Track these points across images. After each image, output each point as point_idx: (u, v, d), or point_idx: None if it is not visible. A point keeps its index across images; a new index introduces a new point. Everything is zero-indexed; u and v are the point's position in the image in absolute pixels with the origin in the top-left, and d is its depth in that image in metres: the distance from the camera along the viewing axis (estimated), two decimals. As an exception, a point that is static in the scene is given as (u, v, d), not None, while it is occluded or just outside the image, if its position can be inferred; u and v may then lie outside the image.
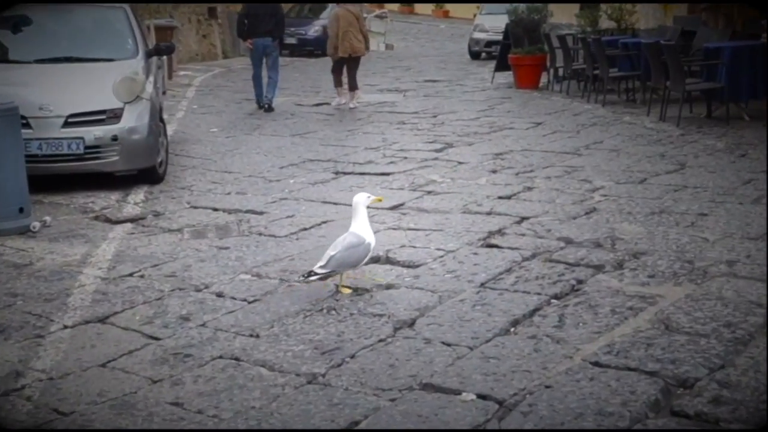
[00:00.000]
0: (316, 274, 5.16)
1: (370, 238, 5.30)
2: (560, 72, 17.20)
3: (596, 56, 14.55)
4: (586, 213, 7.01)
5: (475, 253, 5.96)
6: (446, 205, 7.49)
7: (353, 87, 15.54)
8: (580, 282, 5.28)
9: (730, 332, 4.35)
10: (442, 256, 5.91)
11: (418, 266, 5.73)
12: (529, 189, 8.02)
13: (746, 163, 8.78)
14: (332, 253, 5.18)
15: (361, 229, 5.31)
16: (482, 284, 5.31)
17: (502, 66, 18.81)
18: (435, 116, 13.84)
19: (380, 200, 5.78)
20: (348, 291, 5.26)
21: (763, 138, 10.21)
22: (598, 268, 5.53)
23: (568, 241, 6.16)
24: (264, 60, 15.20)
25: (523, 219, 6.89)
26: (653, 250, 5.86)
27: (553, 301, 4.98)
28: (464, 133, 11.80)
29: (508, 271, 5.55)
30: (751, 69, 11.59)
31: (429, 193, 8.03)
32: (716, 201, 7.19)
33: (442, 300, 5.05)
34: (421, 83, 19.78)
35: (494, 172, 8.97)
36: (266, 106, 15.19)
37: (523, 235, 6.39)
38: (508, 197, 7.72)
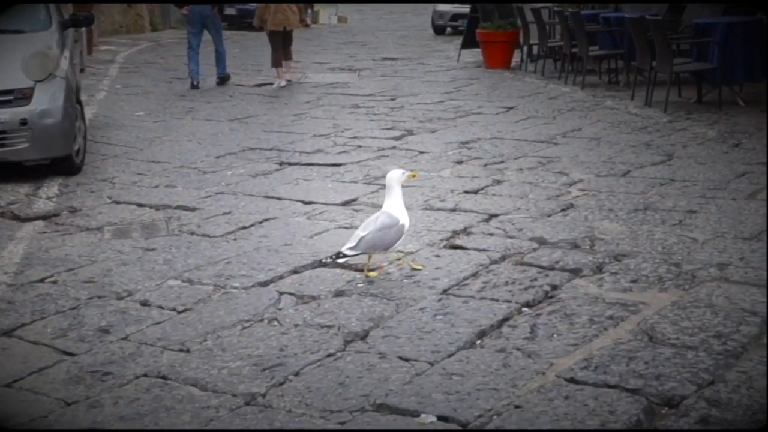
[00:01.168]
0: (345, 255, 5.43)
1: (404, 219, 5.60)
2: (534, 50, 17.32)
3: (575, 32, 14.66)
4: (563, 210, 7.07)
5: (438, 256, 5.98)
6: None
7: (287, 57, 15.61)
8: (554, 288, 5.32)
9: (720, 344, 4.41)
10: (398, 259, 5.92)
11: (371, 270, 5.74)
12: (499, 182, 8.07)
13: (740, 154, 8.92)
14: (363, 234, 5.47)
15: (395, 208, 5.59)
16: (445, 291, 5.33)
17: (469, 42, 18.91)
18: (393, 99, 13.86)
19: (415, 176, 6.00)
20: (374, 274, 5.53)
21: (760, 126, 10.39)
22: (575, 272, 5.58)
23: (542, 242, 6.21)
24: (203, 31, 15.23)
25: (492, 216, 6.93)
26: (636, 252, 5.92)
27: (524, 309, 5.02)
28: (426, 119, 11.84)
29: (474, 275, 5.58)
30: (746, 48, 11.77)
31: (385, 186, 8.03)
32: (707, 196, 7.30)
33: (399, 309, 5.06)
34: (378, 61, 19.80)
35: (460, 163, 9.00)
36: (218, 80, 15.38)
37: (492, 234, 6.43)
38: (475, 192, 7.76)
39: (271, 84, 15.58)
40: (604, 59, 15.34)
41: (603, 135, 10.28)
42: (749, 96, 12.40)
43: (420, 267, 5.72)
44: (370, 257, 5.58)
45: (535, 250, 6.05)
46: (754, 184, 7.63)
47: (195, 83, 15.26)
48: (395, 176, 5.68)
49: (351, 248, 5.46)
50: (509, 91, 14.55)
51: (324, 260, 5.62)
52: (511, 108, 12.62)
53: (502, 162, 8.97)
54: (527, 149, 9.59)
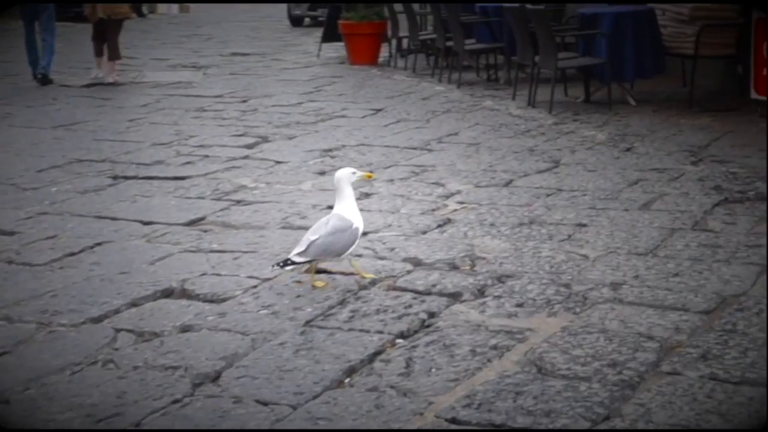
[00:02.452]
0: (293, 263, 5.65)
1: (357, 222, 5.84)
2: (405, 44, 17.53)
3: (449, 24, 14.89)
4: (439, 226, 7.16)
5: (299, 281, 5.98)
6: (260, 219, 7.47)
7: (114, 56, 15.45)
8: (432, 315, 5.38)
9: (615, 373, 4.54)
10: (255, 287, 5.89)
11: (223, 300, 5.69)
12: (367, 196, 8.13)
13: (632, 159, 9.22)
14: (313, 238, 5.70)
15: (347, 210, 5.85)
16: (308, 322, 5.32)
17: (330, 35, 19.01)
18: (245, 101, 13.81)
19: (370, 177, 6.28)
20: (322, 285, 5.80)
21: (653, 127, 10.76)
22: (455, 296, 5.66)
23: (417, 263, 6.27)
24: (34, 21, 15.02)
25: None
26: (521, 272, 6.04)
27: (398, 341, 5.05)
28: (283, 124, 11.83)
29: (341, 303, 5.59)
30: (637, 41, 12.17)
31: (238, 203, 8.00)
32: (597, 208, 7.51)
33: (256, 344, 5.03)
34: (227, 57, 19.70)
35: (322, 174, 9.03)
36: (39, 76, 15.04)
37: (360, 256, 6.45)
38: (341, 207, 7.80)
39: (102, 83, 15.33)
40: (482, 54, 15.63)
41: (482, 140, 10.47)
42: (641, 94, 12.85)
43: (370, 276, 5.97)
44: (313, 265, 5.82)
45: (409, 272, 6.11)
46: (648, 193, 7.89)
47: (38, 76, 15.14)
48: (343, 176, 5.90)
49: (299, 254, 5.66)
50: (377, 90, 14.68)
51: (272, 267, 5.81)
52: (380, 110, 12.74)
53: (371, 172, 9.03)
54: (398, 157, 9.69)
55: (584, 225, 7.04)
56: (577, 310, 5.38)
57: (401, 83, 15.40)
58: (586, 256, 6.33)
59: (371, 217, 7.42)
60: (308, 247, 5.69)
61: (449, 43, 15.09)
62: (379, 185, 8.48)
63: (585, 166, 9.03)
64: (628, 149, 9.74)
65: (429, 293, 5.71)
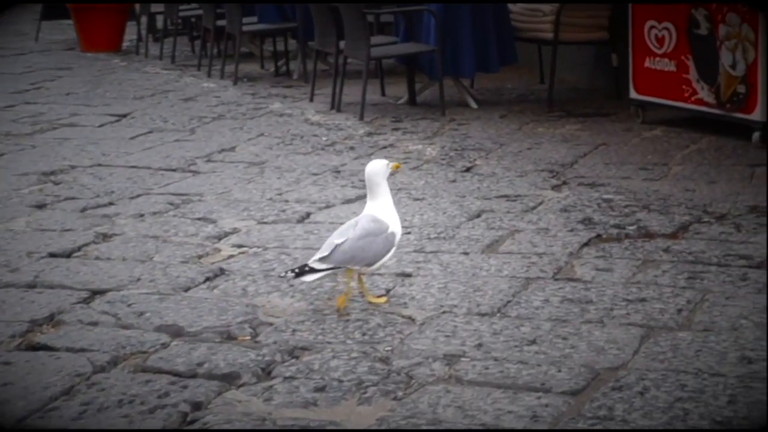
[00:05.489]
0: (312, 270, 6.23)
1: (394, 225, 6.45)
2: (160, 23, 17.41)
3: (221, -4, 14.87)
4: (207, 279, 7.13)
5: (7, 363, 5.84)
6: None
7: None
8: (197, 407, 5.31)
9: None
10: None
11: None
12: (106, 238, 8.04)
13: (473, 183, 9.33)
14: (338, 242, 6.27)
15: (381, 210, 6.42)
16: (20, 420, 5.18)
17: (53, 11, 18.71)
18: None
19: (398, 167, 6.77)
20: (383, 300, 6.55)
21: (499, 139, 10.94)
22: (229, 379, 5.60)
23: (176, 333, 6.20)
24: None
25: (95, 294, 6.88)
26: (323, 343, 6.02)
27: (149, 445, 4.97)
28: (-14, 135, 11.58)
29: (68, 393, 5.47)
30: (479, 22, 12.35)
31: None
32: (426, 250, 7.59)
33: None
34: None
35: (41, 207, 8.86)
36: None
37: (95, 323, 6.36)
38: (67, 255, 7.69)
39: None
40: (268, 38, 15.65)
41: (269, 157, 10.48)
42: (484, 93, 13.11)
43: (381, 301, 6.56)
44: (347, 274, 6.46)
45: (165, 346, 6.03)
46: (495, 229, 8.01)
47: None
48: (378, 169, 6.42)
49: (321, 259, 6.25)
50: (121, 88, 14.53)
51: (285, 274, 6.35)
52: (124, 116, 12.64)
53: (111, 204, 8.95)
54: (150, 182, 9.63)
55: (408, 275, 7.09)
56: (399, 393, 5.39)
57: (155, 78, 15.28)
58: (411, 319, 6.36)
59: (111, 268, 7.32)
60: (332, 251, 6.22)
61: (221, 23, 15.04)
62: (124, 222, 8.37)
63: (409, 192, 9.12)
64: (468, 169, 9.89)
65: (193, 375, 5.64)
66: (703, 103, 10.79)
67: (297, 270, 6.29)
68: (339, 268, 6.33)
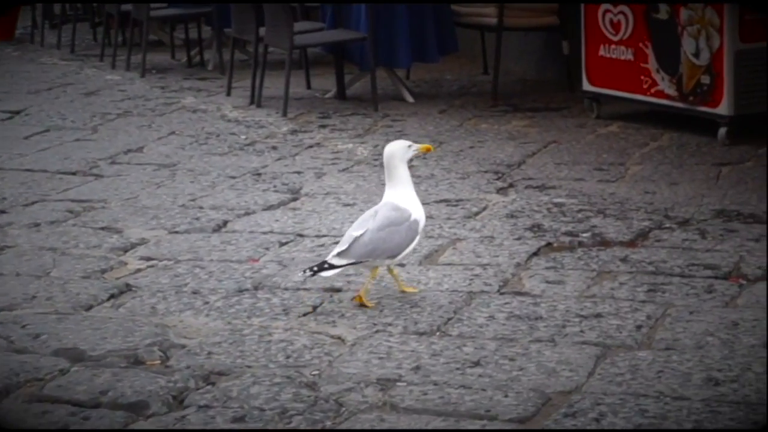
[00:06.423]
0: (331, 266, 6.49)
1: (417, 212, 6.71)
2: (57, 8, 17.31)
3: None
4: (112, 296, 7.09)
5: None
6: None
7: None
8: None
9: None
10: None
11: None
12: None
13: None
14: (357, 234, 6.52)
15: (402, 197, 6.68)
16: None
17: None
18: None
19: (429, 149, 7.06)
20: (413, 289, 6.88)
21: (440, 136, 10.96)
22: (137, 408, 5.57)
23: (77, 358, 6.16)
24: None
25: (-15, 314, 6.81)
26: (242, 367, 6.00)
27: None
28: None
29: (-46, 426, 5.42)
30: (415, 7, 12.34)
31: None
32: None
33: None
34: None
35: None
36: None
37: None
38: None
39: None
40: (179, 24, 15.60)
41: (181, 158, 10.45)
42: (422, 86, 13.12)
43: (413, 290, 6.88)
44: (372, 270, 6.72)
45: (64, 372, 5.98)
46: (434, 238, 8.01)
47: None
48: (396, 151, 6.66)
49: (340, 254, 6.49)
50: (13, 81, 14.47)
51: (303, 272, 6.60)
52: (17, 113, 12.61)
53: (1, 212, 8.91)
54: (47, 187, 9.59)
55: (337, 290, 7.07)
56: (328, 423, 5.38)
57: (53, 70, 15.21)
58: (340, 339, 6.36)
59: (3, 285, 7.25)
60: (352, 245, 6.47)
61: (127, 7, 14.96)
62: (17, 233, 8.31)
63: (338, 197, 9.11)
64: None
65: (96, 405, 5.60)
66: (663, 96, 10.82)
67: (315, 267, 6.52)
68: (360, 262, 6.59)
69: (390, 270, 6.85)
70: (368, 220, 6.66)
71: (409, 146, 6.74)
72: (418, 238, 6.80)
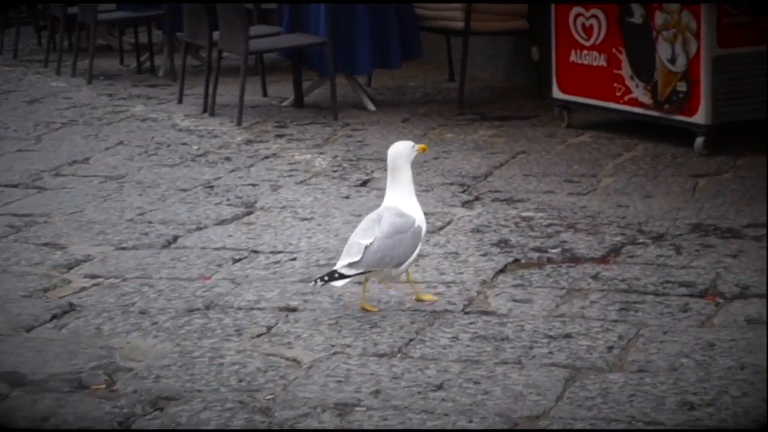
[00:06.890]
0: (342, 276, 6.66)
1: (419, 218, 6.86)
2: (-1, 11, 17.31)
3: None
4: (55, 317, 7.07)
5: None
6: None
7: None
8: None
9: None
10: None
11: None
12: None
13: (371, 200, 9.32)
14: (366, 242, 6.66)
15: (404, 201, 6.82)
16: None
17: None
18: None
19: (425, 149, 7.18)
20: (434, 298, 7.05)
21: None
22: (81, 435, 5.57)
23: (17, 382, 6.14)
24: None
25: None
26: (192, 391, 5.99)
27: None
28: None
29: None
30: (377, 10, 12.33)
31: None
32: (315, 278, 7.56)
33: None
34: None
35: None
36: None
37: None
38: None
39: None
40: (128, 28, 15.57)
41: (129, 170, 10.47)
42: (384, 93, 13.12)
43: (431, 298, 7.05)
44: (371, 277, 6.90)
45: (3, 398, 5.97)
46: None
47: None
48: (403, 151, 6.82)
49: (352, 264, 6.65)
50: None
51: (314, 282, 6.80)
52: (-44, 122, 12.50)
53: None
54: (-11, 201, 9.54)
55: (293, 309, 7.09)
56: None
57: (-6, 76, 15.17)
58: (296, 361, 6.36)
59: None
60: (363, 254, 6.63)
61: (73, 10, 14.93)
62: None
63: (295, 211, 9.11)
64: (364, 183, 9.91)
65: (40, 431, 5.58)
66: (637, 104, 10.85)
67: (326, 277, 6.68)
68: (368, 271, 6.74)
69: (408, 276, 7.08)
70: (373, 227, 6.78)
71: (413, 146, 6.86)
72: (420, 245, 6.91)
